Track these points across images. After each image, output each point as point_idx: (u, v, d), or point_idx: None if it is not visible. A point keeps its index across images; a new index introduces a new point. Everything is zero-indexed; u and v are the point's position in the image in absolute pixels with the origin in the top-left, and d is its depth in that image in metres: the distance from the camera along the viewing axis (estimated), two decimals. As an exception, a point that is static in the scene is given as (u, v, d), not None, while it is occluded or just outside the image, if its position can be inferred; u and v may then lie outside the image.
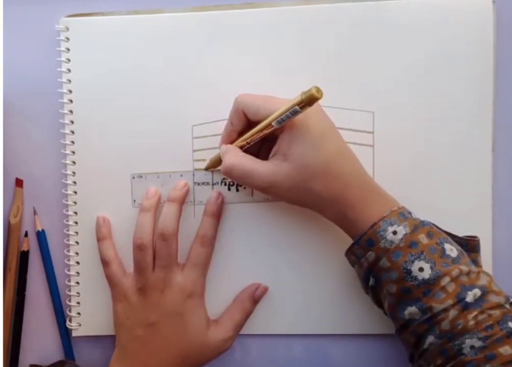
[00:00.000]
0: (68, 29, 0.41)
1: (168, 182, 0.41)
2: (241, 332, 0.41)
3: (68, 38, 0.41)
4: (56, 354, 0.43)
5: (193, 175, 0.41)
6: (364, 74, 0.40)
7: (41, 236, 0.42)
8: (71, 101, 0.41)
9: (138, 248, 0.38)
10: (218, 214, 0.40)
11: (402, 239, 0.33)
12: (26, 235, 0.43)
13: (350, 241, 0.35)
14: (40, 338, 0.43)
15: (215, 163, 0.40)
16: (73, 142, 0.42)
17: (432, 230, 0.34)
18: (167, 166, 0.41)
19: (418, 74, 0.40)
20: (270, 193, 0.36)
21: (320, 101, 0.40)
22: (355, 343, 0.41)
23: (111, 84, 0.41)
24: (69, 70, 0.41)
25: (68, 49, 0.41)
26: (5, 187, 0.42)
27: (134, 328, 0.38)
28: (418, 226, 0.33)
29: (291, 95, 0.40)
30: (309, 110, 0.33)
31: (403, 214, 0.34)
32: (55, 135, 0.42)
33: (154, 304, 0.38)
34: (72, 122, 0.42)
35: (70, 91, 0.41)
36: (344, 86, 0.40)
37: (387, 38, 0.40)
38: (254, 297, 0.40)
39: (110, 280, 0.40)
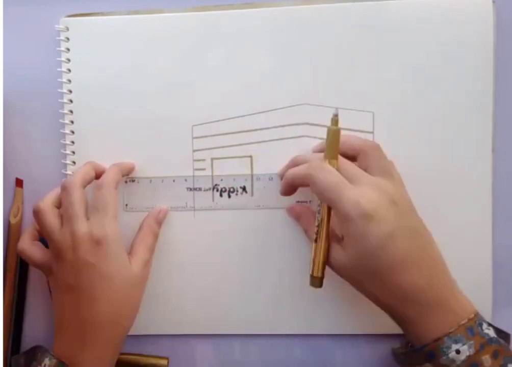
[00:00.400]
0: (68, 29, 0.41)
1: (160, 187, 0.41)
2: (242, 332, 0.41)
3: (68, 39, 0.41)
4: (56, 354, 0.43)
5: (185, 180, 0.41)
6: (364, 74, 0.40)
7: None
8: (71, 101, 0.41)
9: (34, 214, 0.38)
10: (109, 181, 0.38)
11: (464, 360, 0.31)
12: (26, 235, 0.43)
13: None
14: (40, 338, 0.43)
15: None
16: (73, 142, 0.42)
17: (499, 349, 0.32)
18: (167, 166, 0.41)
19: (418, 74, 0.40)
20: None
21: (320, 102, 0.40)
22: (355, 343, 0.41)
23: (111, 84, 0.41)
24: (69, 70, 0.41)
25: (68, 49, 0.41)
26: (5, 187, 0.42)
27: (58, 295, 0.37)
28: (485, 344, 0.31)
29: (291, 94, 0.40)
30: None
31: (471, 330, 0.32)
32: (55, 135, 0.42)
33: (69, 263, 0.36)
34: (72, 122, 0.42)
35: (70, 91, 0.41)
36: (344, 86, 0.40)
37: (387, 38, 0.40)
38: (159, 220, 0.40)
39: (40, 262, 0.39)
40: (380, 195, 0.32)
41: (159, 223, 0.41)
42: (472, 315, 0.33)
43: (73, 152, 0.42)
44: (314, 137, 0.40)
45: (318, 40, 0.40)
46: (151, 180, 0.41)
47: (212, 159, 0.41)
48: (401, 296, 0.32)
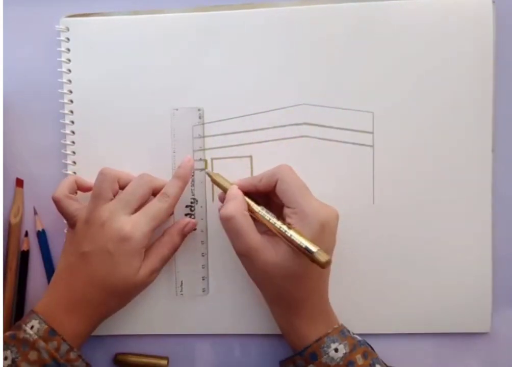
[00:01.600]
0: (68, 29, 0.41)
1: None
2: (242, 332, 0.41)
3: (68, 39, 0.41)
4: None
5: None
6: (364, 74, 0.40)
7: (41, 236, 0.42)
8: (72, 101, 0.42)
9: (100, 174, 0.38)
10: (184, 177, 0.39)
11: (341, 357, 0.35)
12: (26, 235, 0.43)
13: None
14: (40, 338, 0.43)
15: (220, 186, 0.39)
16: (73, 142, 0.42)
17: (367, 350, 0.36)
18: (167, 166, 0.41)
19: (418, 74, 0.40)
20: (243, 261, 0.37)
21: (320, 102, 0.40)
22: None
23: (112, 84, 0.41)
24: (69, 70, 0.41)
25: (68, 50, 0.41)
26: (5, 187, 0.42)
27: (69, 254, 0.38)
28: (356, 345, 0.35)
29: (291, 94, 0.40)
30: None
31: (343, 332, 0.36)
32: (55, 135, 0.42)
33: (92, 235, 0.37)
34: (73, 122, 0.42)
35: (70, 91, 0.41)
36: (344, 86, 0.40)
37: (387, 38, 0.40)
38: (183, 233, 0.40)
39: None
40: (328, 212, 0.36)
41: (183, 235, 0.40)
42: (340, 323, 0.37)
43: (73, 152, 0.42)
44: (314, 137, 0.40)
45: (318, 40, 0.40)
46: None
47: (212, 159, 0.41)
48: (309, 292, 0.36)
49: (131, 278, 0.37)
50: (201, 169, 0.41)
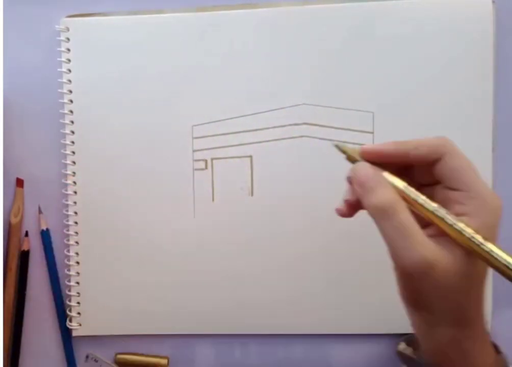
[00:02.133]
0: (68, 29, 0.41)
1: None
2: (241, 331, 0.41)
3: (68, 39, 0.41)
4: (57, 354, 0.43)
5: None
6: (364, 74, 0.40)
7: (45, 235, 0.42)
8: (71, 101, 0.42)
9: None
10: None
11: None
12: (26, 235, 0.43)
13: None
14: (40, 337, 0.43)
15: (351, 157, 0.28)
16: (73, 142, 0.42)
17: None
18: (167, 166, 0.41)
19: (418, 74, 0.40)
20: (409, 281, 0.27)
21: (320, 102, 0.40)
22: (355, 343, 0.41)
23: (112, 84, 0.41)
24: (69, 70, 0.41)
25: (69, 50, 0.41)
26: (5, 187, 0.42)
27: None
28: None
29: (291, 94, 0.40)
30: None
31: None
32: (55, 135, 0.42)
33: None
34: (72, 122, 0.42)
35: (70, 91, 0.41)
36: (344, 86, 0.40)
37: (387, 38, 0.40)
38: None
39: None
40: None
41: None
42: (503, 356, 0.30)
43: (73, 152, 0.42)
44: (314, 137, 0.40)
45: (318, 40, 0.40)
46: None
47: (212, 159, 0.41)
48: (474, 313, 0.28)
49: None
50: (201, 169, 0.41)
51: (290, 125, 0.41)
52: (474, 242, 0.25)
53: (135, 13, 0.41)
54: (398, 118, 0.40)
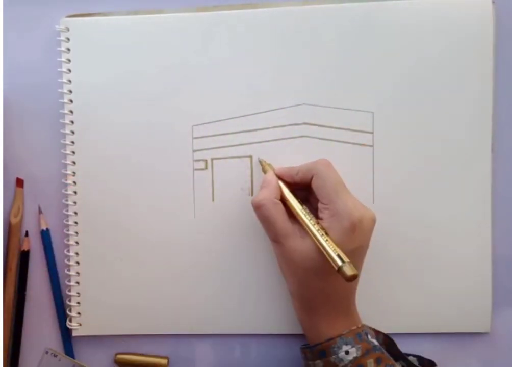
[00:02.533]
0: (68, 29, 0.41)
1: None
2: (241, 331, 0.41)
3: (68, 39, 0.41)
4: (57, 354, 0.43)
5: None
6: (364, 74, 0.40)
7: (45, 235, 0.42)
8: (71, 101, 0.42)
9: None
10: None
11: (351, 360, 0.34)
12: (26, 234, 0.43)
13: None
14: (40, 337, 0.43)
15: (264, 171, 0.39)
16: (73, 142, 0.42)
17: (381, 356, 0.35)
18: (167, 166, 0.41)
19: (418, 74, 0.40)
20: (274, 249, 0.37)
21: (320, 102, 0.40)
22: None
23: (112, 84, 0.41)
24: (69, 70, 0.41)
25: (68, 50, 0.41)
26: (5, 187, 0.42)
27: None
28: (370, 350, 0.35)
29: (291, 94, 0.40)
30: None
31: (359, 336, 0.35)
32: (55, 135, 0.42)
33: None
34: (72, 122, 0.42)
35: (70, 91, 0.41)
36: (344, 86, 0.40)
37: (387, 38, 0.40)
38: None
39: None
40: (362, 212, 0.35)
41: None
42: (361, 325, 0.37)
43: (73, 152, 0.42)
44: (314, 137, 0.40)
45: (318, 40, 0.40)
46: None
47: (212, 159, 0.41)
48: (321, 297, 0.36)
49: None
50: (201, 169, 0.41)
51: (290, 125, 0.41)
52: (311, 229, 0.35)
53: (135, 13, 0.41)
54: (398, 118, 0.40)
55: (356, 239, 0.35)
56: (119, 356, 0.42)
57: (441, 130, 0.40)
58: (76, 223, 0.42)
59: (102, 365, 0.43)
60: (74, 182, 0.42)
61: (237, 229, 0.41)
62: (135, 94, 0.41)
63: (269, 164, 0.39)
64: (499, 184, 0.40)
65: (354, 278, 0.32)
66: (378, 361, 0.35)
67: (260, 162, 0.40)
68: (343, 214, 0.34)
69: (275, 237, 0.36)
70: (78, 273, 0.42)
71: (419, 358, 0.39)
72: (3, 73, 0.42)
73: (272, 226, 0.36)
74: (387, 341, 0.38)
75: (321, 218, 0.35)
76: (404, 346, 0.39)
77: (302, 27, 0.40)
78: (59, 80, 0.41)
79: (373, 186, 0.40)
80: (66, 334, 0.42)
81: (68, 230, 0.42)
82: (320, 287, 0.36)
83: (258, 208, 0.36)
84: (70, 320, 0.42)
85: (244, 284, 0.41)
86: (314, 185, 0.36)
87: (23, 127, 0.42)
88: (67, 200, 0.42)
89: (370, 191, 0.40)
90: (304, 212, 0.36)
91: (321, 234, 0.34)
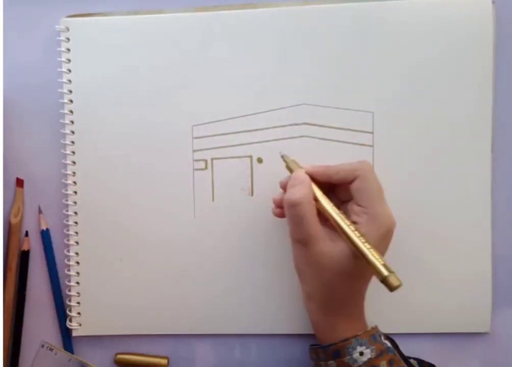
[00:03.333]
0: (68, 29, 0.41)
1: None
2: (241, 331, 0.41)
3: (68, 39, 0.41)
4: (57, 354, 0.43)
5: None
6: (364, 74, 0.40)
7: (45, 235, 0.42)
8: (71, 101, 0.42)
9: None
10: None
11: (365, 362, 0.34)
12: (26, 234, 0.43)
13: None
14: (40, 337, 0.43)
15: (288, 168, 0.38)
16: (73, 142, 0.42)
17: (394, 358, 0.35)
18: (167, 166, 0.41)
19: (418, 74, 0.40)
20: (296, 249, 0.36)
21: (320, 102, 0.40)
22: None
23: (112, 84, 0.41)
24: (69, 70, 0.41)
25: (68, 50, 0.41)
26: (5, 187, 0.42)
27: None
28: (384, 352, 0.35)
29: (291, 94, 0.40)
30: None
31: (374, 337, 0.35)
32: (55, 135, 0.42)
33: None
34: (72, 122, 0.42)
35: (70, 91, 0.41)
36: (344, 86, 0.40)
37: (387, 38, 0.40)
38: None
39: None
40: (394, 220, 0.35)
41: None
42: (374, 326, 0.36)
43: (73, 152, 0.42)
44: (314, 137, 0.40)
45: (318, 40, 0.40)
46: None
47: (212, 159, 0.41)
48: (343, 299, 0.36)
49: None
50: (201, 169, 0.41)
51: (290, 125, 0.41)
52: (351, 236, 0.33)
53: (135, 13, 0.41)
54: (397, 118, 0.40)
55: (385, 246, 0.35)
56: (119, 356, 0.42)
57: (441, 130, 0.40)
58: (76, 223, 0.42)
59: (102, 365, 0.43)
60: (74, 182, 0.42)
61: (237, 229, 0.41)
62: (135, 93, 0.41)
63: (294, 161, 0.38)
64: (499, 184, 0.40)
65: (398, 288, 0.31)
66: (390, 362, 0.35)
67: (284, 158, 0.38)
68: (382, 219, 0.34)
69: (304, 239, 0.34)
70: (78, 273, 0.42)
71: (420, 361, 0.39)
72: (3, 73, 0.42)
73: (304, 227, 0.34)
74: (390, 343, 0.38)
75: (355, 222, 0.34)
76: (404, 346, 0.39)
77: (302, 27, 0.40)
78: (59, 80, 0.41)
79: (373, 186, 0.40)
80: (66, 334, 0.42)
81: (68, 230, 0.42)
82: (343, 290, 0.35)
83: (294, 206, 0.34)
84: (70, 320, 0.42)
85: (244, 284, 0.41)
86: (356, 186, 0.35)
87: (23, 127, 0.42)
88: (67, 200, 0.42)
89: (370, 191, 0.40)
90: (342, 217, 0.34)
91: (362, 241, 0.32)
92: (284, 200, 0.35)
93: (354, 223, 0.34)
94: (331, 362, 0.35)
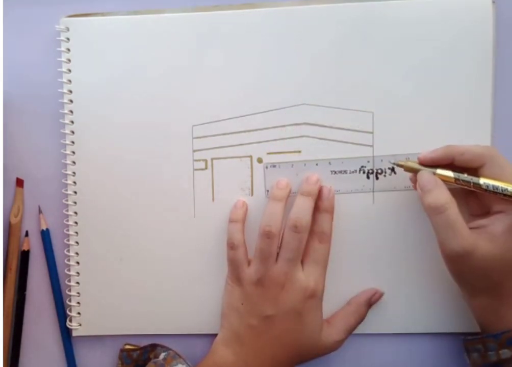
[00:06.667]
0: (68, 29, 0.41)
1: (302, 171, 0.40)
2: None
3: (68, 39, 0.41)
4: (57, 354, 0.43)
5: (329, 163, 0.40)
6: (364, 74, 0.40)
7: (45, 235, 0.42)
8: (71, 101, 0.42)
9: (266, 236, 0.37)
10: (331, 209, 0.39)
11: None
12: (26, 234, 0.43)
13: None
14: (40, 337, 0.43)
15: (413, 170, 0.37)
16: (73, 142, 0.42)
17: None
18: (167, 166, 0.41)
19: (418, 74, 0.40)
20: (454, 264, 0.35)
21: (320, 102, 0.40)
22: (358, 343, 0.41)
23: (112, 84, 0.41)
24: (69, 70, 0.41)
25: (68, 49, 0.41)
26: (5, 187, 0.42)
27: (248, 316, 0.38)
28: None
29: (291, 94, 0.40)
30: None
31: None
32: (55, 135, 0.42)
33: (273, 297, 0.37)
34: (72, 122, 0.42)
35: (70, 91, 0.41)
36: (344, 86, 0.40)
37: (387, 38, 0.40)
38: (370, 303, 0.39)
39: (233, 263, 0.39)
40: None
41: (370, 305, 0.39)
42: None
43: (73, 152, 0.42)
44: (314, 137, 0.40)
45: (318, 40, 0.40)
46: (292, 164, 0.40)
47: (212, 159, 0.41)
48: (508, 291, 0.34)
49: (317, 335, 0.37)
50: (201, 169, 0.41)
51: (290, 125, 0.41)
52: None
53: (135, 13, 0.41)
54: (397, 118, 0.40)
55: None
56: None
57: (441, 130, 0.40)
58: (76, 223, 0.42)
59: (102, 365, 0.43)
60: (74, 182, 0.42)
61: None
62: (135, 93, 0.41)
63: (409, 162, 0.37)
64: (499, 184, 0.40)
65: None
66: None
67: (397, 164, 0.37)
68: None
69: (463, 250, 0.33)
70: (78, 273, 0.42)
71: None
72: (3, 73, 0.42)
73: (458, 235, 0.32)
74: None
75: (498, 211, 0.34)
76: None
77: (302, 27, 0.40)
78: (59, 80, 0.41)
79: (373, 186, 0.40)
80: (66, 334, 0.42)
81: (68, 230, 0.42)
82: (510, 280, 0.34)
83: (441, 212, 0.33)
84: (70, 320, 0.42)
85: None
86: (487, 173, 0.33)
87: (23, 127, 0.42)
88: (67, 200, 0.42)
89: (370, 191, 0.40)
90: (491, 183, 0.33)
91: None
92: (427, 207, 0.34)
93: (494, 212, 0.34)
94: (505, 350, 0.33)
